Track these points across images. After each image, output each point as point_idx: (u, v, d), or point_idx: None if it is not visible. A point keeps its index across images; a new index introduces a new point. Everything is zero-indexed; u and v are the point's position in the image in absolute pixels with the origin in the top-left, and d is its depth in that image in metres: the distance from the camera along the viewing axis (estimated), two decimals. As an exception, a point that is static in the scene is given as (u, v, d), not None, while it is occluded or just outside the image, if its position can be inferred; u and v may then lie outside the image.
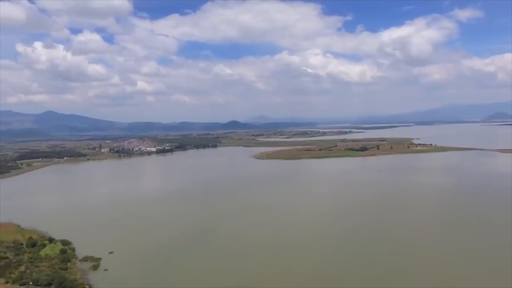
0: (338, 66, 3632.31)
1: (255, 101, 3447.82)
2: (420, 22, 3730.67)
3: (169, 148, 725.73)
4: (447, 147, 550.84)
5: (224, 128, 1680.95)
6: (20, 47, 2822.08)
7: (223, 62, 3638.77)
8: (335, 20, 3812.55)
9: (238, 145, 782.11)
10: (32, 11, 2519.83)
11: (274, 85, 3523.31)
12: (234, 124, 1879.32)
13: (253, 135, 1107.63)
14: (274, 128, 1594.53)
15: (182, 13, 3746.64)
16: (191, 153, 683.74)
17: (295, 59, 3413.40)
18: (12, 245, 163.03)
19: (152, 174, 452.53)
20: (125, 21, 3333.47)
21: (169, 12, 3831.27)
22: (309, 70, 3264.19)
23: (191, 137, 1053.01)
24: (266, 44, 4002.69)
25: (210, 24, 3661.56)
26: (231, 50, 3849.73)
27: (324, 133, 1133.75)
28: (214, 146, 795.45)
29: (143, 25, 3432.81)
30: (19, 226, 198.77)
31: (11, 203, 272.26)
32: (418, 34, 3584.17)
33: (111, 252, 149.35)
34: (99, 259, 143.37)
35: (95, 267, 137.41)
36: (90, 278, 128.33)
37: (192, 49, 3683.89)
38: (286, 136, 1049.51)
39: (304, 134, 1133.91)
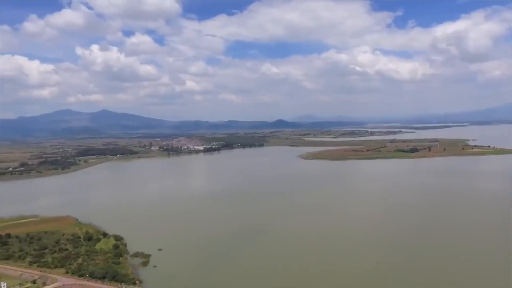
0: (388, 63, 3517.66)
1: (302, 100, 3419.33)
2: (478, 15, 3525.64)
3: (216, 147, 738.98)
4: (508, 149, 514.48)
5: (270, 127, 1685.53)
6: (79, 50, 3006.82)
7: (270, 61, 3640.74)
8: (385, 16, 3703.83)
9: (285, 145, 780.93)
10: (90, 16, 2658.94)
11: (321, 83, 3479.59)
12: (280, 123, 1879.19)
13: (299, 135, 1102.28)
14: (321, 127, 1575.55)
15: (229, 13, 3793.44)
16: (238, 152, 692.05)
17: (343, 57, 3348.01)
18: (71, 237, 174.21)
19: (200, 172, 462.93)
20: (174, 22, 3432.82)
21: (217, 13, 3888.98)
22: (357, 68, 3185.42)
23: (238, 136, 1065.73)
24: (313, 42, 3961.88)
25: (257, 24, 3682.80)
26: (278, 49, 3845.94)
27: (372, 133, 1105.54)
28: (261, 145, 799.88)
29: (191, 26, 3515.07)
30: (77, 220, 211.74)
31: (70, 197, 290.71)
32: (476, 28, 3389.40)
33: (160, 249, 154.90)
34: (149, 255, 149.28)
35: (144, 263, 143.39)
36: (140, 273, 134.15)
37: (239, 49, 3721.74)
38: (333, 136, 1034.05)
39: (352, 134, 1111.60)
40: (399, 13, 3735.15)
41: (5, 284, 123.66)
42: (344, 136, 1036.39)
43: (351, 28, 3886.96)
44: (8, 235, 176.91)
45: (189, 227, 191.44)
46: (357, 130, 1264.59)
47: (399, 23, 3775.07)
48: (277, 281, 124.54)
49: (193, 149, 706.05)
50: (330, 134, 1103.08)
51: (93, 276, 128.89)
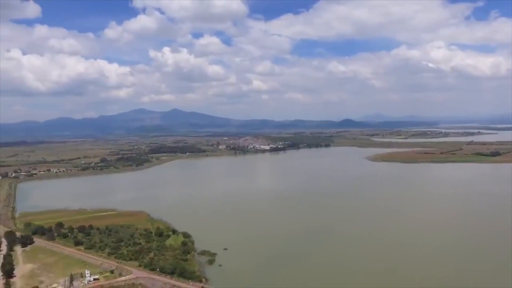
0: (465, 59, 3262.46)
1: (370, 98, 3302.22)
2: None
3: (282, 146, 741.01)
4: None
5: (337, 126, 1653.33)
6: (152, 53, 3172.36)
7: (337, 59, 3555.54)
8: (463, 8, 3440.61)
9: (352, 145, 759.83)
10: (162, 20, 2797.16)
11: (390, 81, 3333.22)
12: (347, 123, 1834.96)
13: (367, 135, 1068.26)
14: (390, 127, 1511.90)
15: (296, 12, 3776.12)
16: (304, 152, 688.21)
17: (415, 53, 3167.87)
18: (144, 232, 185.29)
19: (266, 172, 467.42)
20: (241, 23, 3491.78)
21: (283, 12, 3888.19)
22: (430, 65, 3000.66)
23: (304, 136, 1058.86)
24: (382, 39, 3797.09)
25: (323, 21, 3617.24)
26: (345, 47, 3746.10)
27: (446, 134, 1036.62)
28: (327, 145, 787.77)
29: (258, 26, 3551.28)
30: (149, 215, 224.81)
31: (143, 193, 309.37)
32: None
33: (225, 249, 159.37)
34: (215, 254, 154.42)
35: (210, 262, 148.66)
36: (206, 271, 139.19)
37: (306, 47, 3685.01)
38: (403, 137, 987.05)
39: (424, 134, 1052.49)
40: (480, 3, 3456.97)
41: (88, 272, 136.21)
42: (415, 137, 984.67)
43: (423, 23, 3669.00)
44: (91, 227, 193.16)
45: (255, 227, 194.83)
46: (429, 131, 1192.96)
47: (479, 15, 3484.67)
48: (343, 284, 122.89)
49: (259, 148, 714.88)
50: (400, 135, 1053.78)
51: (163, 271, 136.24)
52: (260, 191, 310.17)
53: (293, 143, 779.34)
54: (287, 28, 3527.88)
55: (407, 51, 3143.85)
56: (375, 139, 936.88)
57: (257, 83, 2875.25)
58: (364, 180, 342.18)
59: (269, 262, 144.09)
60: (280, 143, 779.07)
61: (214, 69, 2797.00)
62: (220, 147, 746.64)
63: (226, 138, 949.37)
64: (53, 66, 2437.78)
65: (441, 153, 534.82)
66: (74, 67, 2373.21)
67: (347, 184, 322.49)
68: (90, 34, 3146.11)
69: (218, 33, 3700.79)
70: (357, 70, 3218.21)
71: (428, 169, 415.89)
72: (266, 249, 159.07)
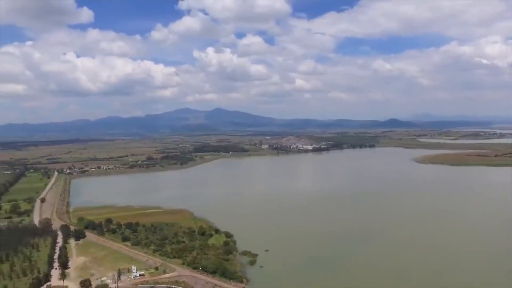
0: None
1: (417, 97, 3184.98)
2: None
3: (325, 146, 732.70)
4: None
5: (382, 126, 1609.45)
6: (196, 53, 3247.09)
7: (382, 57, 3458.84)
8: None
9: (397, 146, 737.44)
10: (206, 21, 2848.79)
11: (439, 79, 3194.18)
12: (393, 123, 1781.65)
13: (414, 135, 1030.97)
14: (438, 127, 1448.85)
15: (339, 10, 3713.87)
16: (347, 152, 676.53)
17: (466, 49, 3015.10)
18: (187, 231, 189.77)
19: (309, 172, 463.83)
20: (284, 22, 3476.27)
21: (326, 10, 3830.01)
22: (484, 61, 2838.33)
23: (348, 136, 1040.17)
24: (430, 35, 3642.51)
25: (368, 19, 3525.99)
26: (391, 44, 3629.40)
27: (502, 135, 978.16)
28: (372, 146, 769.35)
29: (301, 25, 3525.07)
30: (192, 214, 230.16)
31: (187, 192, 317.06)
32: None
33: (267, 250, 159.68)
34: (256, 255, 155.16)
35: (252, 263, 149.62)
36: (247, 272, 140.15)
37: (350, 46, 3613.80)
38: (453, 138, 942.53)
39: (476, 135, 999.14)
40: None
41: (135, 267, 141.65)
42: (466, 138, 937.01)
43: (477, 17, 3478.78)
44: (137, 224, 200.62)
45: (297, 228, 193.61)
46: (482, 131, 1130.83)
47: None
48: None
49: (301, 148, 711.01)
50: (449, 136, 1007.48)
51: (205, 270, 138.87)
52: (302, 191, 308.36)
53: (337, 143, 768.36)
54: (330, 26, 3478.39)
55: (458, 47, 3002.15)
56: (423, 139, 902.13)
57: (300, 82, 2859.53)
58: (409, 182, 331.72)
59: (311, 265, 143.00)
60: (323, 143, 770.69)
61: (257, 69, 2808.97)
62: (262, 146, 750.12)
63: (268, 138, 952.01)
64: (103, 68, 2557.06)
65: (495, 155, 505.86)
66: (123, 68, 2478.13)
67: (392, 186, 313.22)
68: (138, 36, 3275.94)
69: (261, 33, 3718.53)
70: (403, 68, 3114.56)
71: (480, 173, 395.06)
72: (307, 251, 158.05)
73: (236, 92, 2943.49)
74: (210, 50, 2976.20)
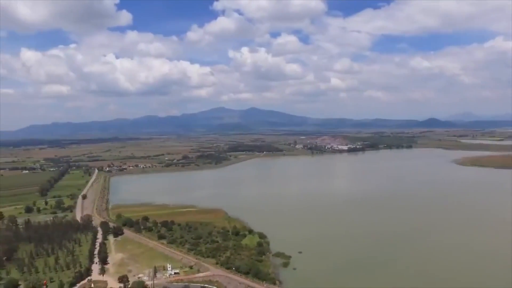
0: None
1: (458, 96, 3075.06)
2: None
3: (360, 147, 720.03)
4: None
5: (420, 126, 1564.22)
6: (231, 53, 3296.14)
7: (421, 55, 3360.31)
8: None
9: (437, 147, 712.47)
10: (241, 21, 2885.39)
11: (483, 77, 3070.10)
12: (432, 122, 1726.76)
13: (454, 136, 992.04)
14: (481, 127, 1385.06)
15: (376, 7, 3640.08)
16: (384, 153, 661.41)
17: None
18: (221, 230, 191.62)
19: (344, 173, 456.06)
20: (319, 21, 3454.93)
21: (362, 8, 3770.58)
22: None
23: (384, 136, 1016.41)
24: (473, 31, 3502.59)
25: (406, 15, 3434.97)
26: (430, 41, 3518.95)
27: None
28: (409, 146, 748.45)
29: (336, 23, 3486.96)
30: (226, 213, 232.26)
31: (221, 191, 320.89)
32: None
33: (300, 252, 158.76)
34: (289, 257, 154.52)
35: (285, 265, 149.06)
36: (280, 274, 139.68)
37: (386, 43, 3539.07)
38: (498, 138, 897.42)
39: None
40: None
41: (170, 265, 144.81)
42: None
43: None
44: (173, 222, 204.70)
45: (331, 230, 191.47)
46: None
47: None
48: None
49: (336, 148, 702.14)
50: (493, 136, 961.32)
51: (238, 270, 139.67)
52: (337, 193, 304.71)
53: (372, 144, 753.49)
54: (366, 23, 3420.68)
55: (504, 43, 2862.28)
56: (464, 140, 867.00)
57: (335, 81, 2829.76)
58: (449, 185, 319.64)
59: (345, 269, 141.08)
60: (359, 143, 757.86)
61: (292, 68, 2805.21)
62: (297, 146, 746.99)
63: (303, 137, 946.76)
64: (141, 68, 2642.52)
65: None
66: (160, 68, 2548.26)
67: (431, 189, 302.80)
68: (174, 37, 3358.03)
69: (296, 32, 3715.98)
70: (443, 65, 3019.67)
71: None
72: (342, 255, 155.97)
73: (270, 91, 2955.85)
74: (244, 49, 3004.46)
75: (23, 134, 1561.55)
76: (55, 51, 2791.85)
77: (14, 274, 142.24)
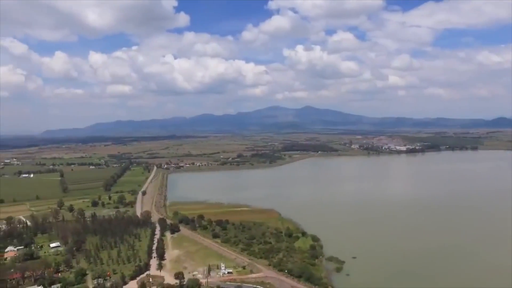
0: None
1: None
2: None
3: (419, 148, 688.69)
4: None
5: (488, 126, 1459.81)
6: (286, 52, 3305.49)
7: (489, 49, 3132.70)
8: None
9: (506, 149, 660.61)
10: (296, 19, 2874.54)
11: None
12: (501, 122, 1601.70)
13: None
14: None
15: (437, 0, 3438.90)
16: (446, 155, 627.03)
17: None
18: (274, 231, 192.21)
19: (402, 176, 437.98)
20: (376, 17, 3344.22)
21: (423, 1, 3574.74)
22: None
23: (446, 136, 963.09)
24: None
25: (472, 7, 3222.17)
26: (499, 34, 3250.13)
27: None
28: (474, 148, 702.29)
29: (394, 19, 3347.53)
30: (280, 214, 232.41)
31: (275, 191, 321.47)
32: None
33: (354, 257, 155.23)
34: (343, 262, 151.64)
35: (338, 270, 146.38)
36: (333, 279, 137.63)
37: (450, 38, 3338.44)
38: None
39: None
40: None
41: (223, 265, 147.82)
42: None
43: None
44: (227, 221, 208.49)
45: (386, 237, 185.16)
46: None
47: None
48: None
49: (394, 149, 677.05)
50: None
51: (290, 273, 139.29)
52: (394, 197, 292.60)
53: (433, 145, 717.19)
54: (427, 18, 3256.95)
55: None
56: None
57: (393, 79, 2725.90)
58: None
59: (400, 278, 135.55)
60: (418, 144, 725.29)
61: (348, 65, 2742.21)
62: (352, 146, 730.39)
63: (359, 137, 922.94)
64: (198, 68, 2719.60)
65: None
66: (216, 68, 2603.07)
67: (498, 198, 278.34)
68: (230, 37, 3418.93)
69: (352, 29, 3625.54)
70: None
71: None
72: (399, 263, 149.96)
73: (326, 89, 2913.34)
74: (299, 48, 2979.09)
75: (90, 131, 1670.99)
76: (119, 53, 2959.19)
77: (83, 264, 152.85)
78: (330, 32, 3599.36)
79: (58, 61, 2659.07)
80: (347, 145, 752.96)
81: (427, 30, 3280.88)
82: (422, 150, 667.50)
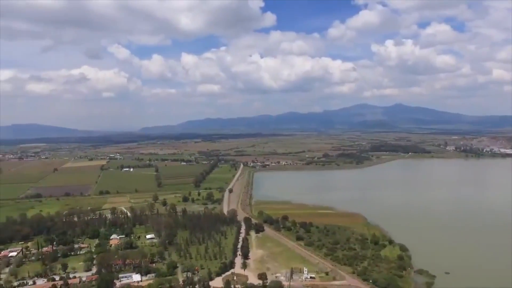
0: None
1: None
2: None
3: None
4: None
5: None
6: (374, 47, 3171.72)
7: None
8: None
9: None
10: (385, 13, 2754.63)
11: None
12: None
13: None
14: None
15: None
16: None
17: None
18: (359, 237, 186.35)
19: (509, 183, 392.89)
20: (478, 4, 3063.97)
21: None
22: None
23: None
24: None
25: None
26: None
27: None
28: None
29: (500, 5, 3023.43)
30: (366, 219, 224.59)
31: (361, 194, 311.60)
32: None
33: (447, 273, 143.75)
34: (434, 276, 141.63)
35: (428, 285, 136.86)
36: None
37: None
38: None
39: None
40: None
41: (306, 269, 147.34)
42: None
43: None
44: (311, 224, 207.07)
45: (487, 252, 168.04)
46: None
47: None
48: None
49: (498, 151, 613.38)
50: None
51: (376, 283, 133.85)
52: (498, 207, 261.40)
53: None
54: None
55: None
56: None
57: (498, 73, 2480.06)
58: None
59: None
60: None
61: (443, 60, 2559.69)
62: (447, 148, 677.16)
63: (455, 138, 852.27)
64: (284, 66, 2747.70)
65: None
66: (302, 66, 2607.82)
67: None
68: (316, 34, 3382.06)
69: (449, 19, 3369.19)
70: None
71: None
72: (500, 283, 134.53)
73: (418, 86, 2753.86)
74: (389, 43, 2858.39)
75: (182, 129, 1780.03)
76: (208, 54, 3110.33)
77: (174, 257, 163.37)
78: (423, 24, 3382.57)
79: (155, 63, 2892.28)
80: (441, 146, 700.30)
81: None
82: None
